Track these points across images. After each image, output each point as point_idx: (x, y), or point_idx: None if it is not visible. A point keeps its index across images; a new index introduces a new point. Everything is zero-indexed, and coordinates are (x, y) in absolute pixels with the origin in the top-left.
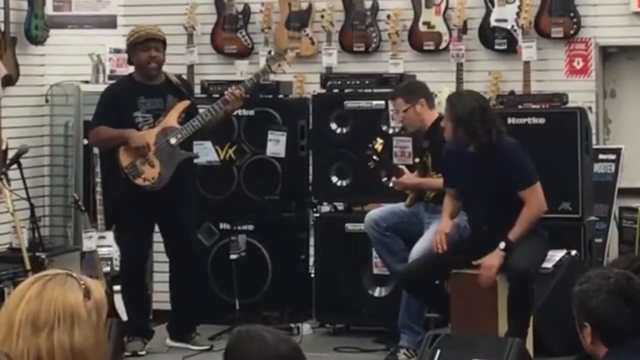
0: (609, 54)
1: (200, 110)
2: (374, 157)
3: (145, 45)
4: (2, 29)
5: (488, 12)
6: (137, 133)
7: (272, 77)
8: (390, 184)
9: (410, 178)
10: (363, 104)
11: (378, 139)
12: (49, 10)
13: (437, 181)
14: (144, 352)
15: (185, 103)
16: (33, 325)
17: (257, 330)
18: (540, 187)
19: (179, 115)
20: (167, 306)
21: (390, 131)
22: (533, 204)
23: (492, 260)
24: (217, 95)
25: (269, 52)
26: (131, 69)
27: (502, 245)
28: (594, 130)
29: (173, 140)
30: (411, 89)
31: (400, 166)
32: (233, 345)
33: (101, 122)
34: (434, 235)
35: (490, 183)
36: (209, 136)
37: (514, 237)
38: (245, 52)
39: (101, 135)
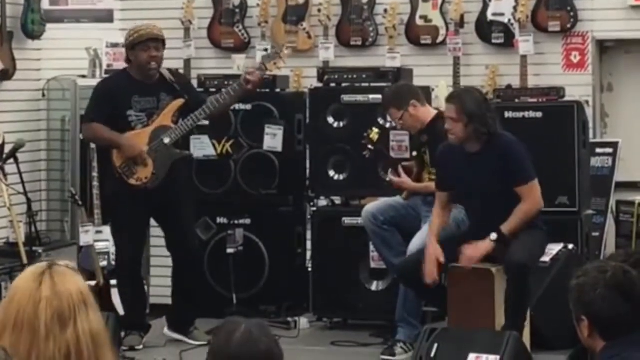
0: (606, 48)
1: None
2: (369, 147)
3: (145, 45)
4: None
5: (485, 6)
6: (130, 141)
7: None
8: (388, 178)
9: (404, 182)
10: (360, 98)
11: (374, 129)
12: (45, 4)
13: (433, 186)
14: (141, 347)
15: (179, 102)
16: (60, 321)
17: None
18: (538, 185)
19: (173, 114)
20: (165, 300)
21: (388, 125)
22: (530, 200)
23: (481, 247)
24: (214, 90)
25: (265, 50)
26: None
27: (494, 236)
28: (591, 124)
29: (167, 140)
30: (398, 95)
31: (404, 163)
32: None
33: (96, 116)
34: (426, 263)
35: (490, 180)
36: (206, 131)
37: (506, 230)
38: (243, 47)
39: (95, 133)
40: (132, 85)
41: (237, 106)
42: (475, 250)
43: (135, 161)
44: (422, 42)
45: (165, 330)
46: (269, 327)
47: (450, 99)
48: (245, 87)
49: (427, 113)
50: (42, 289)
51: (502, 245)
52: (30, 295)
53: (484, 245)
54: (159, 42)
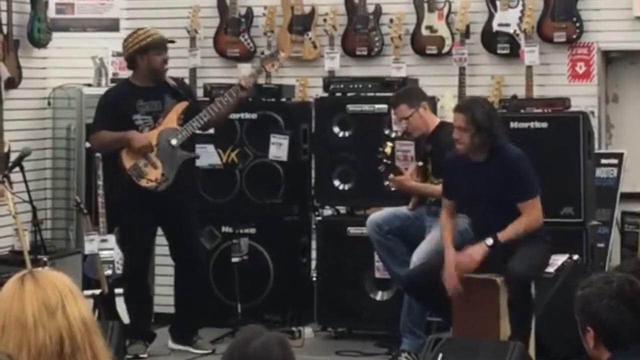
0: (612, 59)
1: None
2: (385, 161)
3: (160, 49)
4: (5, 32)
5: (491, 17)
6: (138, 134)
7: (275, 80)
8: (386, 183)
9: (407, 179)
10: (365, 107)
11: (388, 142)
12: (51, 13)
13: (434, 188)
14: (145, 355)
15: (183, 104)
16: (47, 310)
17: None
18: (539, 202)
19: (178, 116)
20: (169, 309)
21: (393, 135)
22: (529, 216)
23: (476, 252)
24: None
25: (262, 53)
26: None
27: (490, 241)
28: (596, 135)
29: (174, 142)
30: (412, 94)
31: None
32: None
33: (102, 126)
34: (447, 279)
35: (494, 191)
36: (211, 140)
37: (502, 237)
38: (248, 56)
39: (103, 139)
40: (135, 91)
41: (242, 115)
42: (469, 259)
43: (144, 159)
44: (428, 52)
45: (169, 343)
46: (289, 345)
47: (459, 109)
48: (241, 94)
49: (433, 120)
50: (25, 287)
51: (496, 252)
52: (15, 295)
53: (478, 251)
54: (167, 45)
